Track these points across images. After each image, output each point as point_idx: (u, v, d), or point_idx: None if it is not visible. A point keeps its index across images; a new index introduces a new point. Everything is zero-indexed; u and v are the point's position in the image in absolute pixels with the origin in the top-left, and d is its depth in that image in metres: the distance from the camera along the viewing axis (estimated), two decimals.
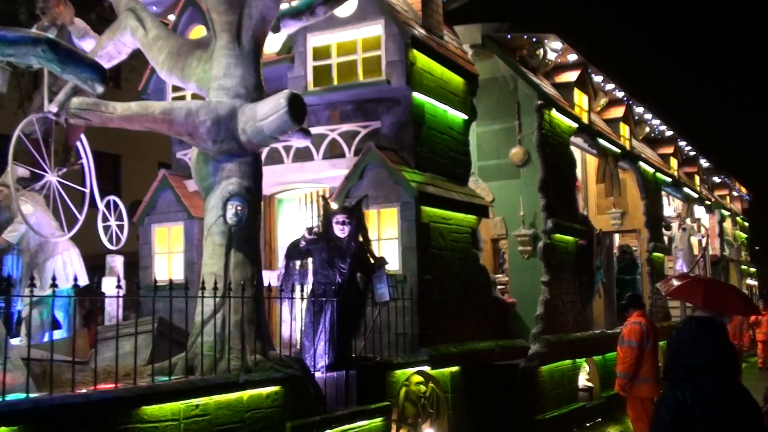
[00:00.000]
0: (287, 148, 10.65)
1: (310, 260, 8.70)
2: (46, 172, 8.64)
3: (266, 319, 7.66)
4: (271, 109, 7.23)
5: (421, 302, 9.66)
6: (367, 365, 8.47)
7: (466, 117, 11.65)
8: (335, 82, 10.53)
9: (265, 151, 10.44)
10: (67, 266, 9.58)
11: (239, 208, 7.32)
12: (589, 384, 14.57)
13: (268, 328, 7.65)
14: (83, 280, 9.37)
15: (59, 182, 8.86)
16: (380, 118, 10.47)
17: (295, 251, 8.46)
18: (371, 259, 8.77)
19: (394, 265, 9.82)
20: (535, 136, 13.42)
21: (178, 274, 11.06)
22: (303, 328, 8.36)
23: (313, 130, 10.45)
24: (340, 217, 8.56)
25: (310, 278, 8.66)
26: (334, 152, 10.55)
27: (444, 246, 10.35)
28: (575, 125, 14.69)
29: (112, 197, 9.20)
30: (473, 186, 14.02)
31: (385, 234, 10.01)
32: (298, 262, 8.51)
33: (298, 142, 8.77)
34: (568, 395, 13.33)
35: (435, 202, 10.14)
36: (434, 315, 9.91)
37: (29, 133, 8.84)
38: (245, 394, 6.76)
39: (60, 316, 9.25)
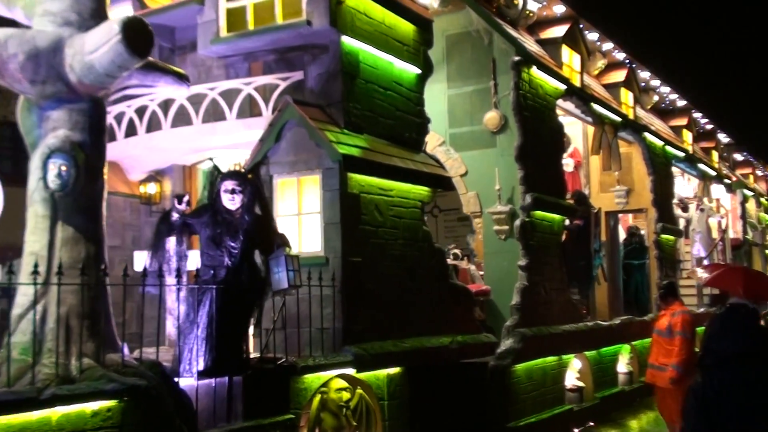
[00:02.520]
0: (196, 107, 8.90)
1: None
2: None
3: (109, 314, 5.92)
4: (102, 37, 5.52)
5: (347, 290, 7.89)
6: (262, 369, 6.73)
7: (418, 71, 9.82)
8: (251, 27, 8.74)
9: (172, 110, 8.77)
10: None
11: (63, 168, 5.59)
12: (580, 383, 12.69)
13: (110, 325, 5.91)
14: None
15: None
16: (305, 69, 8.69)
17: (164, 226, 6.72)
18: (273, 236, 7.02)
19: (315, 244, 8.07)
20: (511, 97, 11.57)
21: None
22: (179, 323, 6.63)
23: (225, 84, 8.75)
24: (230, 184, 6.82)
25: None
26: (253, 111, 8.80)
27: (382, 222, 8.56)
28: (563, 87, 12.79)
29: None
30: (442, 156, 12.26)
31: (306, 207, 8.24)
32: (171, 240, 6.77)
33: (169, 91, 7.00)
34: (552, 397, 11.49)
35: (369, 168, 8.35)
36: (365, 306, 8.14)
37: None
38: (54, 413, 5.05)
39: None
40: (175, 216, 6.64)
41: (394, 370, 8.40)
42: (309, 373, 7.18)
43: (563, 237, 14.87)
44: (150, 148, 9.20)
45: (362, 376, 7.90)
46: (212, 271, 6.74)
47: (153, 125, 9.24)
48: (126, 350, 6.76)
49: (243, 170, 6.98)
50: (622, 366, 14.50)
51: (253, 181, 6.97)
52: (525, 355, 10.58)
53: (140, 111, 9.33)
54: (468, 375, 9.89)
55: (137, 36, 5.49)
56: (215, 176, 6.90)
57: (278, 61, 8.93)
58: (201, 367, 6.42)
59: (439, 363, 9.12)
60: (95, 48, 5.54)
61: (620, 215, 18.01)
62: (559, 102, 12.83)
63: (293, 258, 6.80)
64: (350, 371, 7.68)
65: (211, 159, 7.22)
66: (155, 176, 10.04)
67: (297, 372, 6.99)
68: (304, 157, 8.14)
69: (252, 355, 7.19)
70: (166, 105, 9.12)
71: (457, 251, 13.75)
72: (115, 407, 5.39)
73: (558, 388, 11.91)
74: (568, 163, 17.08)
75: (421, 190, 9.29)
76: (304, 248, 8.16)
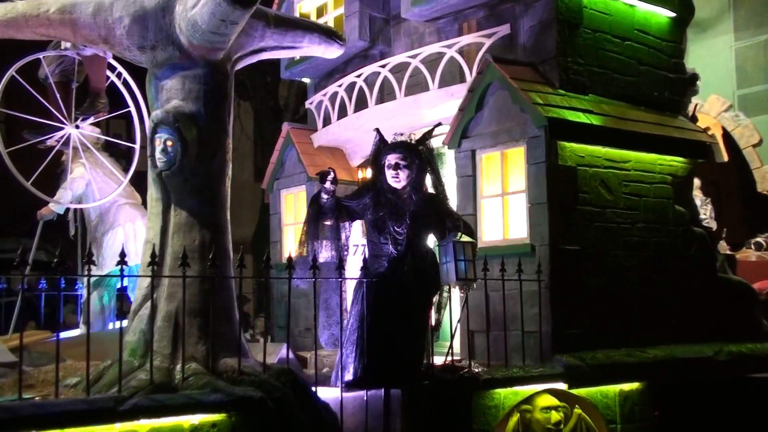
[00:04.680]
0: (399, 79, 7.90)
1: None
2: (63, 123, 6.96)
3: (232, 311, 5.10)
4: None
5: (558, 285, 6.37)
6: (432, 381, 5.52)
7: (672, 14, 7.89)
8: None
9: (377, 84, 7.89)
10: (129, 240, 7.88)
11: (169, 143, 4.89)
12: None
13: (232, 324, 5.09)
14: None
15: (83, 134, 7.17)
16: (516, 22, 7.28)
17: (313, 210, 5.77)
18: (451, 219, 5.79)
19: (521, 230, 6.67)
20: None
21: None
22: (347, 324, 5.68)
23: (428, 50, 7.66)
24: (393, 158, 5.71)
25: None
26: (458, 77, 7.60)
27: (611, 201, 6.88)
28: None
29: None
30: (730, 124, 10.07)
31: (512, 186, 6.84)
32: (328, 224, 5.81)
33: (319, 52, 5.92)
34: None
35: (590, 136, 6.73)
36: (586, 305, 6.54)
37: (43, 77, 7.26)
38: (140, 427, 4.33)
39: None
40: (324, 197, 5.66)
41: (631, 386, 6.68)
42: (499, 387, 5.82)
43: None
44: (358, 128, 8.37)
45: (582, 392, 6.33)
46: (380, 262, 5.69)
47: (361, 103, 8.42)
48: (286, 353, 5.97)
49: (411, 140, 5.81)
50: None
51: (423, 154, 5.77)
52: None
53: (350, 89, 8.57)
54: (751, 395, 7.77)
55: None
56: (379, 148, 5.83)
57: (489, 17, 7.62)
58: (350, 376, 5.38)
59: (703, 378, 7.18)
60: (196, 1, 4.76)
61: None
62: None
63: (465, 245, 5.50)
64: (561, 386, 6.16)
65: (377, 129, 6.09)
66: None
67: (479, 385, 5.66)
68: (508, 125, 6.76)
69: (441, 362, 6.03)
70: (370, 80, 8.26)
71: (761, 240, 11.37)
72: (222, 422, 4.55)
73: None
74: None
75: (673, 161, 7.40)
76: (511, 235, 6.79)
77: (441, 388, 5.52)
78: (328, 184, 5.58)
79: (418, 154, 5.75)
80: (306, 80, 10.05)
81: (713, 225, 10.37)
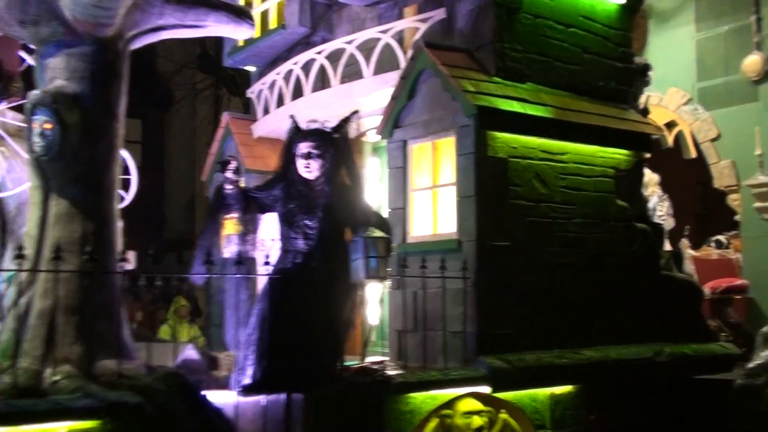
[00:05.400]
0: (336, 67, 7.56)
1: None
2: None
3: (118, 309, 4.75)
4: None
5: (485, 283, 6.05)
6: (342, 385, 5.19)
7: (621, 1, 7.56)
8: None
9: (312, 71, 7.54)
10: None
11: (47, 126, 4.53)
12: None
13: (116, 324, 4.74)
14: None
15: None
16: (453, 7, 6.94)
17: (216, 202, 5.42)
18: (365, 214, 5.46)
19: (450, 225, 6.34)
20: None
21: None
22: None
23: (363, 35, 7.31)
24: (305, 146, 5.37)
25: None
26: (393, 64, 7.26)
27: (546, 195, 6.55)
28: None
29: None
30: (689, 117, 9.76)
31: (442, 178, 6.51)
32: (235, 216, 5.46)
33: (227, 32, 5.54)
34: None
35: (524, 126, 6.40)
36: (517, 304, 6.22)
37: None
38: None
39: None
40: (228, 188, 5.31)
41: (563, 389, 6.37)
42: (415, 391, 5.49)
43: None
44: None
45: (510, 395, 6.01)
46: (290, 257, 5.35)
47: (299, 92, 8.08)
48: (191, 354, 5.63)
49: (325, 128, 5.46)
50: None
51: (338, 142, 5.43)
52: None
53: (288, 77, 8.22)
54: (696, 397, 7.49)
55: None
56: (292, 137, 5.48)
57: (428, 2, 7.27)
58: (249, 380, 5.04)
59: (644, 380, 6.88)
60: None
61: None
62: None
63: (377, 241, 5.17)
64: (485, 389, 5.84)
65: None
66: None
67: (391, 389, 5.33)
68: (439, 114, 6.43)
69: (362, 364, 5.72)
70: (307, 68, 7.91)
71: (721, 237, 11.09)
72: (94, 429, 4.21)
73: None
74: None
75: (615, 154, 7.08)
76: (440, 230, 6.47)
77: (349, 393, 5.19)
78: (229, 174, 5.23)
79: (333, 143, 5.41)
80: (251, 68, 9.69)
81: (671, 222, 10.07)
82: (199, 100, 21.37)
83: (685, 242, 11.15)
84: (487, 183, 6.14)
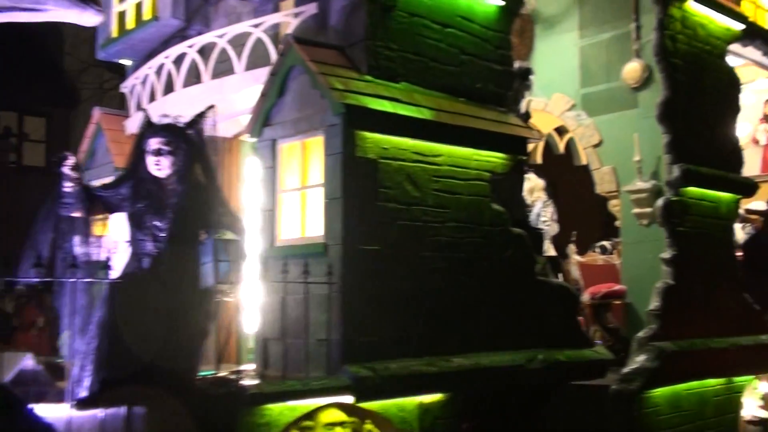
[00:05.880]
0: (205, 60, 7.23)
1: None
2: None
3: None
4: None
5: (351, 289, 5.82)
6: (192, 397, 4.88)
7: (501, 3, 7.47)
8: None
9: (184, 66, 7.20)
10: None
11: None
12: (765, 414, 9.63)
13: None
14: None
15: None
16: (326, 2, 6.70)
17: (52, 200, 5.04)
18: (218, 214, 5.16)
19: (318, 228, 6.09)
20: (652, 39, 8.85)
21: None
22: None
23: (235, 29, 7.01)
24: (155, 142, 5.05)
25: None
26: (265, 60, 6.98)
27: (419, 198, 6.38)
28: (737, 27, 9.77)
29: None
30: (572, 123, 9.77)
31: (311, 179, 6.27)
32: (77, 216, 5.08)
33: (71, 17, 5.15)
34: None
35: (394, 126, 6.22)
36: (385, 311, 6.02)
37: None
38: None
39: None
40: (67, 186, 4.93)
41: (432, 398, 6.20)
42: (272, 402, 5.21)
43: (757, 224, 11.87)
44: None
45: (376, 405, 5.80)
46: (139, 261, 5.01)
47: (170, 87, 7.71)
48: (26, 365, 5.22)
49: (178, 123, 5.15)
50: None
51: (192, 138, 5.13)
52: (664, 376, 7.95)
53: (160, 71, 7.84)
54: (573, 403, 7.47)
55: None
56: (142, 132, 5.14)
57: None
58: (85, 392, 4.68)
59: (518, 387, 6.78)
60: None
61: None
62: (730, 47, 9.80)
63: (228, 243, 4.89)
64: (349, 399, 5.61)
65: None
66: None
67: (244, 400, 5.05)
68: (309, 113, 6.18)
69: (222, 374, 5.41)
70: (178, 62, 7.56)
71: (606, 243, 11.22)
72: None
73: (727, 421, 9.04)
74: None
75: (491, 157, 6.97)
76: (308, 233, 6.22)
77: (198, 405, 4.88)
78: (66, 170, 4.86)
79: (186, 139, 5.11)
80: (126, 62, 9.25)
81: (555, 227, 10.09)
82: (106, 99, 20.64)
83: (572, 248, 11.24)
84: (356, 184, 5.93)
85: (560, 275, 9.84)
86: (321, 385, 5.46)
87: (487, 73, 7.30)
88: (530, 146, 11.34)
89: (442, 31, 6.95)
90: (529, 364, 6.73)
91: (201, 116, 5.21)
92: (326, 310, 5.76)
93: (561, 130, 10.82)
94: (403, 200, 6.25)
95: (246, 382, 5.24)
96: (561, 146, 11.86)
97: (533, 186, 10.11)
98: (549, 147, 12.17)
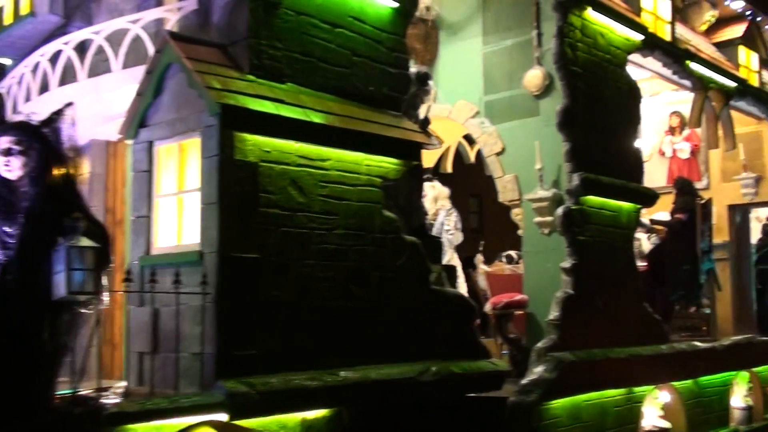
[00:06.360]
0: (82, 58, 6.82)
1: None
2: None
3: None
4: None
5: (226, 300, 5.48)
6: (49, 418, 4.47)
7: (394, 4, 7.26)
8: None
9: (59, 64, 6.76)
10: None
11: None
12: (665, 424, 9.65)
13: None
14: None
15: None
16: None
17: None
18: (83, 220, 4.76)
19: (194, 235, 5.74)
20: (553, 47, 8.78)
21: None
22: None
23: (112, 25, 6.61)
24: (5, 141, 4.65)
25: None
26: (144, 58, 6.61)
27: (304, 204, 6.08)
28: (637, 38, 9.80)
29: None
30: (476, 131, 9.64)
31: (189, 183, 5.92)
32: None
33: None
34: None
35: (278, 128, 5.92)
36: (266, 322, 5.70)
37: None
38: None
39: None
40: None
41: (315, 414, 5.90)
42: (135, 421, 4.83)
43: (661, 235, 12.03)
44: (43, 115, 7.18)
45: (255, 423, 5.46)
46: None
47: (46, 86, 7.26)
48: None
49: (31, 121, 4.75)
50: (738, 399, 11.22)
51: (47, 138, 4.73)
52: (564, 387, 7.83)
53: (35, 70, 7.38)
54: (469, 416, 7.26)
55: None
56: None
57: None
58: None
59: (410, 401, 6.53)
60: None
61: (752, 209, 14.65)
62: (631, 56, 9.83)
63: (84, 251, 4.50)
64: (224, 417, 5.26)
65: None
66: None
67: (102, 421, 4.65)
68: (186, 113, 5.84)
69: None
70: (54, 60, 7.12)
71: (512, 253, 11.15)
72: None
73: (628, 431, 8.98)
74: (683, 149, 14.15)
75: (383, 162, 6.73)
76: (185, 240, 5.87)
77: (52, 427, 4.47)
78: None
79: (40, 139, 4.71)
80: (6, 61, 8.73)
81: (459, 236, 9.93)
82: None
83: (479, 257, 11.12)
84: (233, 189, 5.60)
85: (464, 285, 9.68)
86: (191, 403, 5.09)
87: (381, 76, 7.07)
88: (436, 154, 11.31)
89: (332, 32, 6.69)
90: (421, 377, 6.49)
91: (58, 114, 4.83)
92: (196, 322, 5.41)
93: (471, 139, 10.71)
94: (287, 206, 5.95)
95: (107, 400, 4.84)
96: (471, 155, 11.76)
97: (437, 194, 9.95)
98: (460, 155, 12.10)
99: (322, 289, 6.09)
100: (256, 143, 5.78)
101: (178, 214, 5.89)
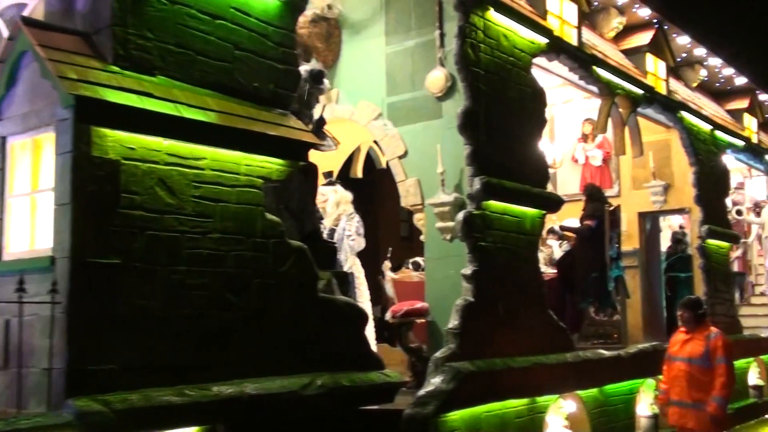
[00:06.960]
0: None
1: None
2: None
3: None
4: None
5: (80, 310, 4.99)
6: None
7: None
8: None
9: None
10: None
11: None
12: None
13: None
14: None
15: None
16: None
17: None
18: None
19: (47, 238, 5.23)
20: (455, 47, 8.52)
21: None
22: None
23: None
24: None
25: None
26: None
27: (174, 206, 5.63)
28: (542, 41, 9.64)
29: None
30: (379, 133, 9.32)
31: (42, 183, 5.42)
32: None
33: None
34: None
35: (144, 124, 5.46)
36: (126, 334, 5.22)
37: None
38: None
39: None
40: None
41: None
42: None
43: (570, 242, 11.93)
44: None
45: None
46: None
47: None
48: None
49: None
50: (644, 408, 11.14)
51: None
52: (462, 398, 7.53)
53: None
54: (361, 430, 6.89)
55: None
56: None
57: None
58: None
59: (292, 416, 6.12)
60: None
61: (662, 217, 14.78)
62: (536, 59, 9.66)
63: None
64: None
65: None
66: None
67: None
68: (40, 106, 5.34)
69: None
70: None
71: (419, 259, 10.89)
72: None
73: None
74: (595, 156, 14.16)
75: (266, 162, 6.32)
76: (38, 244, 5.36)
77: None
78: None
79: None
80: None
81: (361, 242, 9.58)
82: None
83: (387, 264, 10.80)
84: (90, 188, 5.12)
85: (366, 292, 9.32)
86: (32, 424, 4.58)
87: (267, 72, 6.66)
88: (341, 157, 10.95)
89: (212, 23, 6.26)
90: (304, 390, 6.09)
91: None
92: (51, 334, 4.91)
93: None
94: (154, 208, 5.48)
95: None
96: (383, 160, 11.44)
97: (339, 199, 9.59)
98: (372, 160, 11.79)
99: (194, 298, 5.64)
100: (117, 139, 5.31)
101: (31, 216, 5.39)
